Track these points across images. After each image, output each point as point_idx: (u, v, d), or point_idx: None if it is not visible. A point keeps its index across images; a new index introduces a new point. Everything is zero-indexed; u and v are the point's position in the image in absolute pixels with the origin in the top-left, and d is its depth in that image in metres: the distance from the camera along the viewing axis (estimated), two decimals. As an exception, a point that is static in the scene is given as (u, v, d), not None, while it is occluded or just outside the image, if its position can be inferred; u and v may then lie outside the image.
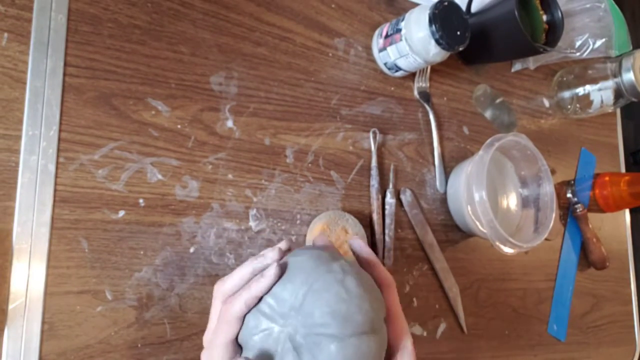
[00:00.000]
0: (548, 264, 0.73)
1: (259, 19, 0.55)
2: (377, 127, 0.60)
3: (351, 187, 0.58)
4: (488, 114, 0.70)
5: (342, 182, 0.57)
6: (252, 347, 0.32)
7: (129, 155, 0.47)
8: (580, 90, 0.75)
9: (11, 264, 0.41)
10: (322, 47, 0.58)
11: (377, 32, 0.61)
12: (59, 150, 0.44)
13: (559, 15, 0.64)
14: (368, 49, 0.61)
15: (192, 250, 0.48)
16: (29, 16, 0.44)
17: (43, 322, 0.41)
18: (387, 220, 0.58)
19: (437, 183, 0.64)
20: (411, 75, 0.63)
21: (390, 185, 0.59)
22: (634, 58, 0.68)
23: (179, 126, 0.49)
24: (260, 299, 0.33)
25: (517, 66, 0.74)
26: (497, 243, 0.56)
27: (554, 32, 0.64)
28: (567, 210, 0.76)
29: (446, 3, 0.53)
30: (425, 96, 0.64)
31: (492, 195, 0.65)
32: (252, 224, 0.52)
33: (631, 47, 0.80)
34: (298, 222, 0.54)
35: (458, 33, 0.53)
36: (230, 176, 0.51)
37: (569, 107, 0.77)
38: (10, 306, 0.41)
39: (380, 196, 0.58)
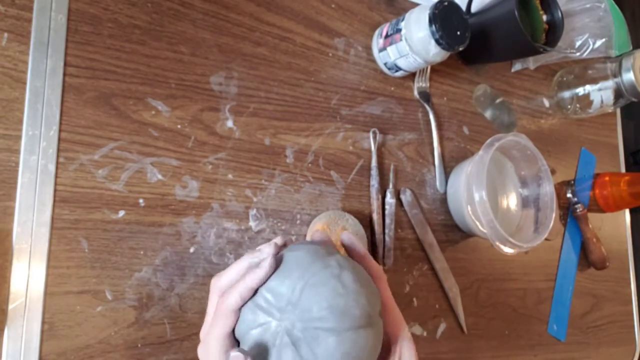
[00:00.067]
0: (548, 264, 0.73)
1: (259, 19, 0.55)
2: (377, 127, 0.60)
3: (351, 187, 0.58)
4: (488, 114, 0.70)
5: (342, 182, 0.57)
6: (249, 341, 0.32)
7: (129, 155, 0.47)
8: (580, 90, 0.75)
9: (11, 264, 0.41)
10: (322, 47, 0.58)
11: (377, 32, 0.61)
12: (59, 150, 0.44)
13: (559, 15, 0.64)
14: (368, 49, 0.61)
15: (192, 250, 0.48)
16: (29, 16, 0.44)
17: (43, 322, 0.42)
18: (387, 220, 0.58)
19: (437, 183, 0.64)
20: (411, 75, 0.63)
21: (390, 185, 0.59)
22: (634, 58, 0.68)
23: (179, 126, 0.49)
24: (256, 292, 0.33)
25: (517, 66, 0.74)
26: (497, 243, 0.56)
27: (554, 32, 0.64)
28: (567, 210, 0.76)
29: (446, 3, 0.53)
30: (425, 96, 0.64)
31: (492, 195, 0.65)
32: (252, 224, 0.52)
33: (631, 47, 0.80)
34: (298, 222, 0.54)
35: (458, 33, 0.53)
36: (230, 176, 0.51)
37: (569, 107, 0.77)
38: (10, 306, 0.41)
39: (380, 196, 0.58)
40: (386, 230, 0.58)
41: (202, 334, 0.36)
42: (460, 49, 0.54)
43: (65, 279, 0.43)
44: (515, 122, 0.73)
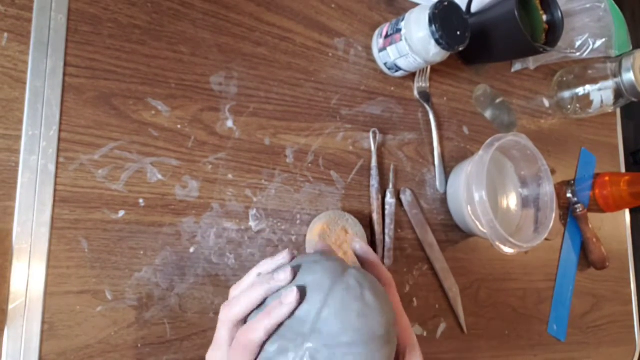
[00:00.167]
0: (548, 264, 0.73)
1: (259, 19, 0.55)
2: (377, 127, 0.60)
3: (351, 187, 0.58)
4: (488, 114, 0.70)
5: (342, 182, 0.57)
6: None
7: (129, 155, 0.47)
8: (580, 90, 0.75)
9: (11, 264, 0.41)
10: (322, 47, 0.58)
11: (377, 32, 0.61)
12: (59, 150, 0.44)
13: (559, 15, 0.64)
14: (368, 49, 0.61)
15: (192, 250, 0.48)
16: (29, 16, 0.44)
17: (43, 322, 0.41)
18: (387, 220, 0.58)
19: (437, 183, 0.64)
20: (411, 75, 0.63)
21: (390, 185, 0.59)
22: (634, 58, 0.68)
23: (179, 126, 0.49)
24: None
25: (517, 66, 0.74)
26: (497, 243, 0.56)
27: (554, 32, 0.64)
28: (567, 210, 0.76)
29: (446, 3, 0.53)
30: (425, 96, 0.64)
31: (492, 195, 0.65)
32: (252, 224, 0.52)
33: (631, 47, 0.80)
34: (298, 222, 0.54)
35: (458, 33, 0.53)
36: (230, 176, 0.51)
37: (569, 107, 0.77)
38: (10, 306, 0.41)
39: (380, 196, 0.58)
40: (386, 230, 0.58)
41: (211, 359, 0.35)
42: (460, 49, 0.54)
43: (65, 279, 0.43)
44: (515, 122, 0.73)
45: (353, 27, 0.61)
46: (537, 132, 0.75)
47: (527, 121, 0.75)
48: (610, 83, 0.71)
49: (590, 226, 0.75)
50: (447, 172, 0.65)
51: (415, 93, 0.64)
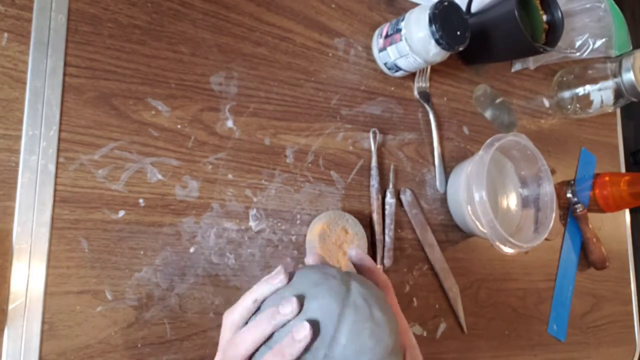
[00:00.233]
0: (548, 264, 0.73)
1: (259, 19, 0.55)
2: (377, 127, 0.60)
3: (351, 187, 0.58)
4: (488, 114, 0.70)
5: (342, 182, 0.57)
6: None
7: (129, 155, 0.47)
8: (580, 90, 0.75)
9: (11, 264, 0.41)
10: (322, 47, 0.58)
11: (377, 32, 0.61)
12: (59, 150, 0.44)
13: (559, 15, 0.64)
14: (368, 49, 0.61)
15: (192, 250, 0.48)
16: (29, 16, 0.44)
17: (43, 322, 0.41)
18: (387, 220, 0.58)
19: (437, 183, 0.64)
20: (411, 75, 0.63)
21: (390, 185, 0.59)
22: (634, 58, 0.68)
23: (179, 126, 0.49)
24: None
25: (517, 66, 0.74)
26: (497, 243, 0.56)
27: (554, 32, 0.64)
28: (567, 210, 0.76)
29: (446, 3, 0.53)
30: (425, 96, 0.64)
31: (492, 195, 0.65)
32: (252, 224, 0.52)
33: (631, 47, 0.80)
34: (298, 222, 0.54)
35: (458, 33, 0.53)
36: (230, 176, 0.51)
37: (569, 107, 0.77)
38: (10, 306, 0.41)
39: (380, 196, 0.58)
40: (386, 230, 0.58)
41: None
42: (460, 49, 0.54)
43: (65, 279, 0.43)
44: (515, 122, 0.73)
45: (353, 27, 0.61)
46: (537, 132, 0.75)
47: (527, 121, 0.75)
48: (610, 83, 0.71)
49: (590, 226, 0.75)
50: (447, 172, 0.65)
51: (415, 93, 0.64)
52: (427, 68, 0.64)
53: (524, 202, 0.66)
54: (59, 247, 0.43)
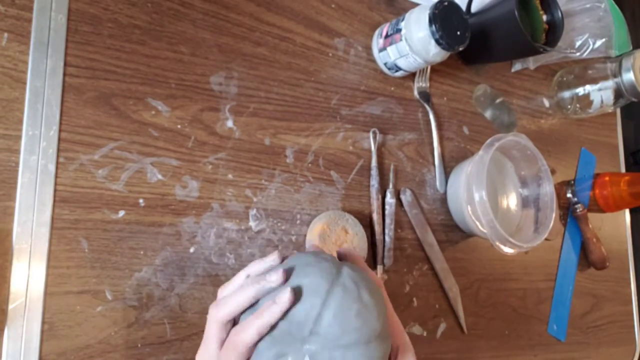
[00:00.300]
0: (548, 264, 0.73)
1: (259, 19, 0.55)
2: (377, 127, 0.60)
3: (351, 187, 0.58)
4: (488, 114, 0.70)
5: (342, 182, 0.57)
6: None
7: (129, 155, 0.47)
8: (580, 90, 0.75)
9: (11, 264, 0.41)
10: (322, 47, 0.58)
11: (377, 32, 0.61)
12: (59, 150, 0.44)
13: (559, 15, 0.64)
14: (368, 49, 0.61)
15: (192, 250, 0.48)
16: (29, 16, 0.44)
17: (43, 322, 0.42)
18: (387, 220, 0.58)
19: (437, 183, 0.64)
20: (411, 75, 0.63)
21: (390, 185, 0.59)
22: (634, 58, 0.68)
23: (179, 126, 0.49)
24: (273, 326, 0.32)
25: (517, 66, 0.74)
26: (497, 243, 0.56)
27: (554, 32, 0.64)
28: (567, 210, 0.76)
29: (446, 3, 0.53)
30: (425, 96, 0.64)
31: (492, 195, 0.65)
32: (252, 224, 0.52)
33: (631, 47, 0.80)
34: (298, 222, 0.54)
35: (458, 33, 0.53)
36: (230, 176, 0.51)
37: (569, 107, 0.77)
38: (10, 306, 0.41)
39: (380, 196, 0.58)
40: (386, 230, 0.58)
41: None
42: (460, 49, 0.54)
43: (65, 279, 0.43)
44: (515, 122, 0.73)
45: (353, 27, 0.61)
46: (537, 132, 0.75)
47: (527, 121, 0.75)
48: (610, 83, 0.71)
49: (590, 226, 0.75)
50: (447, 172, 0.65)
51: (415, 93, 0.64)
52: (427, 68, 0.64)
53: (524, 202, 0.66)
54: (59, 247, 0.43)
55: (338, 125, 0.58)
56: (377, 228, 0.57)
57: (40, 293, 0.42)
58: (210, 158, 0.50)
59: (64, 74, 0.45)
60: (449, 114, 0.67)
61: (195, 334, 0.47)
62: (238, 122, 0.52)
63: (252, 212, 0.52)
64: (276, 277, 0.32)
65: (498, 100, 0.72)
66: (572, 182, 0.77)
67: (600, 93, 0.73)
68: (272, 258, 0.35)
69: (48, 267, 0.42)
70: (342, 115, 0.58)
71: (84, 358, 0.43)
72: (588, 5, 0.74)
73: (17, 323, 0.41)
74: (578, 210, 0.74)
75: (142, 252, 0.46)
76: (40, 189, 0.43)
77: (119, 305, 0.45)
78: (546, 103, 0.78)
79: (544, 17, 0.65)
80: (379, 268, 0.57)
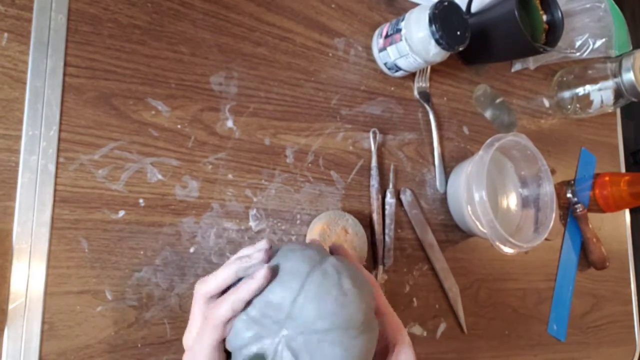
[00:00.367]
0: (548, 264, 0.73)
1: (259, 19, 0.55)
2: (377, 127, 0.60)
3: (351, 187, 0.58)
4: (488, 114, 0.70)
5: (342, 182, 0.57)
6: (244, 355, 0.31)
7: (129, 155, 0.47)
8: (580, 90, 0.75)
9: (11, 264, 0.41)
10: (322, 47, 0.58)
11: (377, 32, 0.61)
12: (59, 150, 0.44)
13: (559, 15, 0.64)
14: (368, 49, 0.61)
15: (192, 250, 0.48)
16: (29, 16, 0.44)
17: (43, 322, 0.42)
18: (387, 220, 0.58)
19: (437, 183, 0.64)
20: (411, 75, 0.63)
21: (390, 185, 0.59)
22: (634, 58, 0.68)
23: (179, 126, 0.49)
24: (249, 304, 0.32)
25: (517, 66, 0.74)
26: (497, 243, 0.56)
27: (554, 32, 0.64)
28: (567, 210, 0.76)
29: (446, 3, 0.53)
30: (425, 96, 0.64)
31: (492, 195, 0.65)
32: (252, 224, 0.52)
33: (631, 47, 0.80)
34: (298, 222, 0.54)
35: (458, 33, 0.53)
36: (230, 176, 0.51)
37: (569, 107, 0.77)
38: (10, 306, 0.41)
39: (380, 196, 0.58)
40: (386, 230, 0.58)
41: (186, 340, 0.35)
42: (460, 49, 0.54)
43: (65, 279, 0.43)
44: (515, 122, 0.73)
45: (353, 27, 0.61)
46: (537, 132, 0.75)
47: (527, 121, 0.75)
48: (610, 83, 0.71)
49: (590, 226, 0.75)
50: (447, 172, 0.65)
51: (415, 93, 0.64)
52: (427, 68, 0.64)
53: (524, 202, 0.66)
54: (59, 247, 0.43)
55: (338, 125, 0.58)
56: (377, 228, 0.57)
57: (40, 293, 0.42)
58: (210, 158, 0.50)
59: (64, 74, 0.45)
60: (449, 114, 0.67)
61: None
62: (238, 122, 0.52)
63: (252, 212, 0.52)
64: (258, 255, 0.33)
65: (498, 100, 0.72)
66: (572, 182, 0.77)
67: (600, 93, 0.73)
68: (262, 243, 0.36)
69: (48, 267, 0.42)
70: (342, 115, 0.58)
71: (84, 358, 0.43)
72: (588, 5, 0.74)
73: (17, 323, 0.41)
74: (578, 210, 0.74)
75: (142, 252, 0.46)
76: (40, 189, 0.43)
77: (119, 305, 0.45)
78: (546, 103, 0.78)
79: (544, 17, 0.65)
80: (379, 268, 0.57)
